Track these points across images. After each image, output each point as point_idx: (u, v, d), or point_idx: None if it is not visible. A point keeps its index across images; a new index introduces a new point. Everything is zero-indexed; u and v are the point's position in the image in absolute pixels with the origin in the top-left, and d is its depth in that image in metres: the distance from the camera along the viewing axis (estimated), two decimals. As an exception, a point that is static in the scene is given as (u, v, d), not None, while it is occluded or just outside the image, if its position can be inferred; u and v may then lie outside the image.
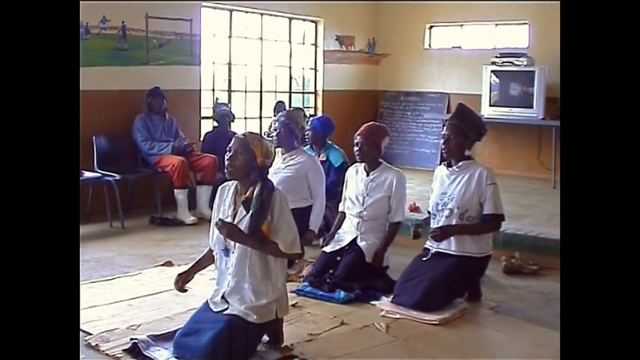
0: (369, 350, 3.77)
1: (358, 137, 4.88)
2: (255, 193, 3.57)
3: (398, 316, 4.24)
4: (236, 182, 3.71)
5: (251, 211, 3.54)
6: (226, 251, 3.65)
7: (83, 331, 3.86)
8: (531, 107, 9.07)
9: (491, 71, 9.44)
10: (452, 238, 4.50)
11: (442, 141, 4.61)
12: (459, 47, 10.49)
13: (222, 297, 3.62)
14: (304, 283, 4.74)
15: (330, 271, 4.74)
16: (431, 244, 4.60)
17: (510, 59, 9.28)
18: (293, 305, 4.33)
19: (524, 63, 9.17)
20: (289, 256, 3.66)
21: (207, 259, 3.87)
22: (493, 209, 4.46)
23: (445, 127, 4.62)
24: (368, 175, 4.91)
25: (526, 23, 9.74)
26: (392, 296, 4.44)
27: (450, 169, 4.61)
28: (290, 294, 4.39)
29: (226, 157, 3.63)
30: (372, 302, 4.48)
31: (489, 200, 4.44)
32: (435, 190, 4.69)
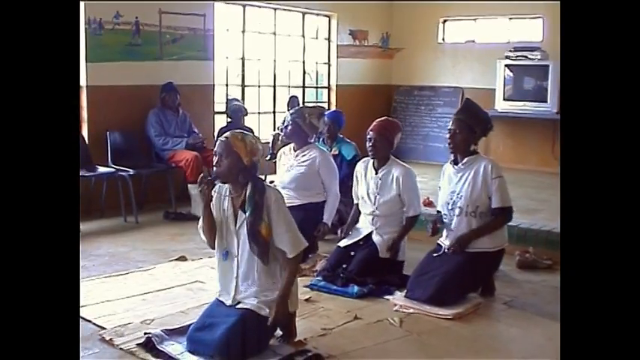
0: (383, 345, 3.77)
1: (371, 133, 4.83)
2: (247, 195, 3.53)
3: (411, 310, 4.24)
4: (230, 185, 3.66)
5: (247, 213, 3.52)
6: (227, 254, 3.64)
7: (97, 325, 3.89)
8: (545, 101, 9.05)
9: (505, 65, 9.40)
10: None
11: (448, 136, 4.59)
12: (473, 41, 10.45)
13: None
14: (318, 278, 4.74)
15: (344, 266, 4.74)
16: (444, 242, 4.58)
17: (524, 53, 9.24)
18: (306, 300, 4.34)
19: (538, 57, 9.12)
20: (300, 255, 3.62)
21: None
22: (500, 202, 4.43)
23: (451, 122, 4.59)
24: (377, 173, 4.87)
25: (540, 17, 9.68)
26: (405, 291, 4.44)
27: (456, 167, 4.58)
28: (303, 288, 4.41)
29: (213, 162, 3.60)
30: (385, 297, 4.48)
31: (496, 194, 4.42)
32: (444, 188, 4.66)
